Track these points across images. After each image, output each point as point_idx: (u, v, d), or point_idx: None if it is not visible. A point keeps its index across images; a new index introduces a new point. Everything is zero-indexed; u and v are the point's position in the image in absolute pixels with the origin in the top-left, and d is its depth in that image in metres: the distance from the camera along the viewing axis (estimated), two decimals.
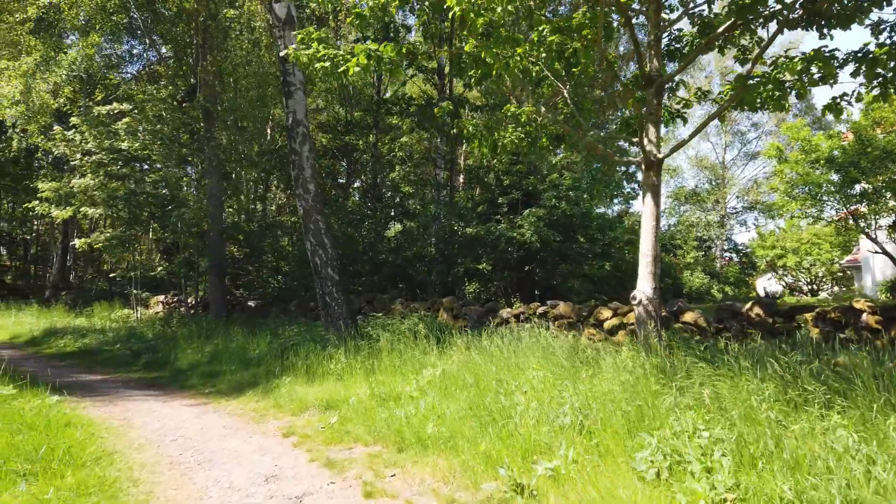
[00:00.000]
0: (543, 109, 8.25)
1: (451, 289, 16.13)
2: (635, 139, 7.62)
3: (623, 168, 36.69)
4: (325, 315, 11.28)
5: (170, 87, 15.91)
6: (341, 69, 7.20)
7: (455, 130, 9.23)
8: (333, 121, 25.89)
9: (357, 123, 24.32)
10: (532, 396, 5.61)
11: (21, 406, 6.26)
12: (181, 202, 15.25)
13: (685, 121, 8.27)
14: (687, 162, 43.25)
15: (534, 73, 8.21)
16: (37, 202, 16.71)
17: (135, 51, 21.68)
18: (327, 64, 7.41)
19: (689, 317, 10.24)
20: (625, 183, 36.15)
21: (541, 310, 11.98)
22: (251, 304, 17.20)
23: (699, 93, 8.14)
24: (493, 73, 8.29)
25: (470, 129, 9.10)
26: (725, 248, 36.85)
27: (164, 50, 16.91)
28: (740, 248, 33.42)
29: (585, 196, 14.69)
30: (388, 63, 7.41)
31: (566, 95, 8.20)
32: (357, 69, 7.06)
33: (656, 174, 6.86)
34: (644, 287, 6.74)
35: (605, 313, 11.05)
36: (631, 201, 38.54)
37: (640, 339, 6.74)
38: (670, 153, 7.19)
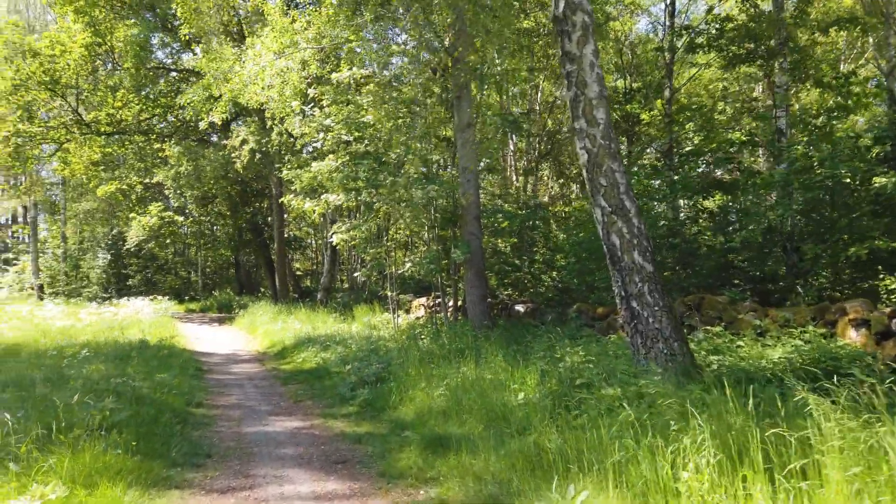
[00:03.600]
0: None
1: (824, 286, 9.91)
2: None
3: None
4: (632, 332, 6.48)
5: (415, 48, 12.81)
6: None
7: None
8: (610, 92, 21.16)
9: (638, 90, 19.39)
10: None
11: None
12: (432, 179, 11.91)
13: None
14: None
15: None
16: (291, 196, 15.14)
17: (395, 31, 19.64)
18: None
19: None
20: None
21: None
22: (519, 308, 13.20)
23: None
24: None
25: None
26: None
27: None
28: None
29: None
30: None
31: None
32: None
33: None
34: None
35: None
36: None
37: None
38: None
